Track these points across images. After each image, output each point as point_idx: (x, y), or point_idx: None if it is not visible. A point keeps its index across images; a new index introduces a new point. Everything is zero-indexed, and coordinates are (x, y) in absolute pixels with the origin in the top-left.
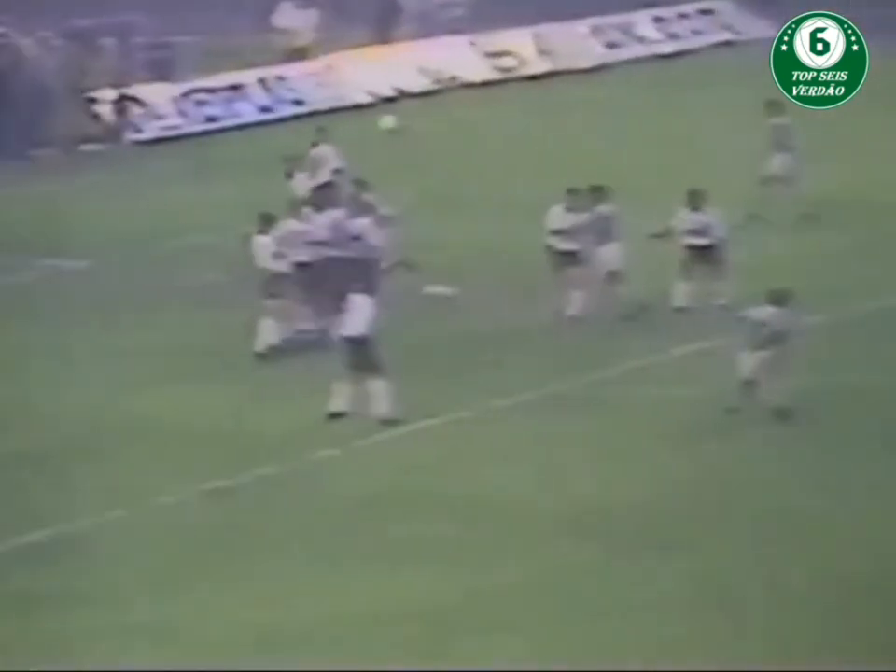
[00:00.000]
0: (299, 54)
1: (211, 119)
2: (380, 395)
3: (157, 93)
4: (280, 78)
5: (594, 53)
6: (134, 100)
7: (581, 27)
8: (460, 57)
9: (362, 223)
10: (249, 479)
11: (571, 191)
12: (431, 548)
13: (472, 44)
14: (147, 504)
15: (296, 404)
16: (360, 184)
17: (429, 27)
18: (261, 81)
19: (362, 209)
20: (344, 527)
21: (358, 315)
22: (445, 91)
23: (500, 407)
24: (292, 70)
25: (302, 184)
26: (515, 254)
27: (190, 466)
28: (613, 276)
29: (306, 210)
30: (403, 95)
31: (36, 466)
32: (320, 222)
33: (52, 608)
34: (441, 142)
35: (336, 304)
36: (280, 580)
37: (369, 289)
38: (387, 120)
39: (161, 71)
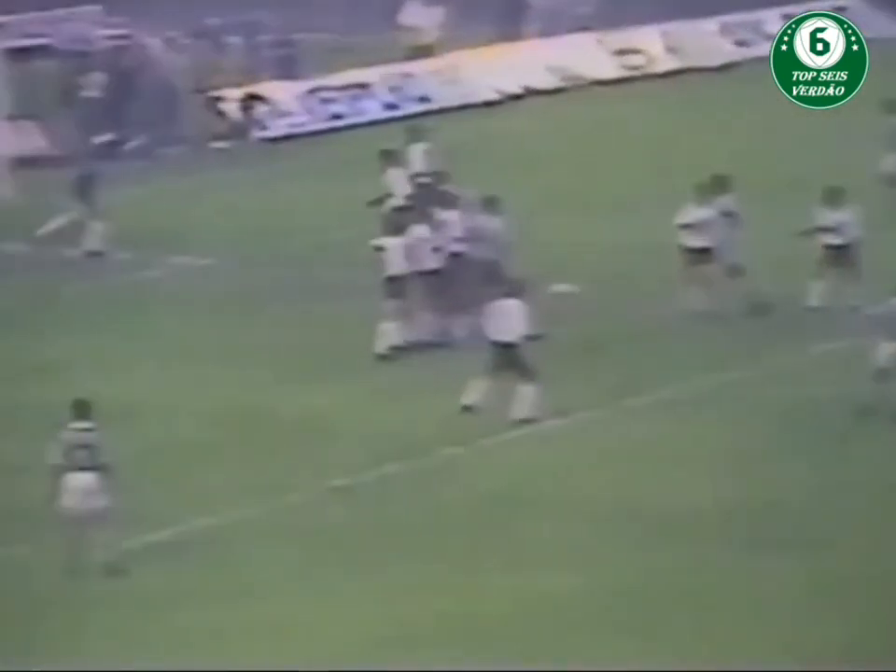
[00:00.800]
0: (424, 52)
1: (336, 117)
2: (526, 399)
3: (283, 91)
4: (406, 76)
5: (722, 51)
6: (260, 98)
7: (710, 25)
8: (588, 55)
9: (492, 223)
10: (374, 477)
11: (700, 187)
12: (557, 547)
13: (600, 42)
14: (274, 502)
15: (421, 403)
16: (440, 176)
17: (557, 25)
18: (387, 79)
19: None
20: (469, 526)
21: (510, 319)
22: (572, 88)
23: (629, 406)
24: (418, 68)
25: (396, 180)
26: (642, 252)
27: (316, 464)
28: (735, 271)
29: (435, 213)
30: (530, 93)
31: (166, 462)
32: (444, 225)
33: (183, 605)
34: (569, 139)
35: (461, 306)
36: (404, 578)
37: (516, 293)
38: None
39: (287, 69)
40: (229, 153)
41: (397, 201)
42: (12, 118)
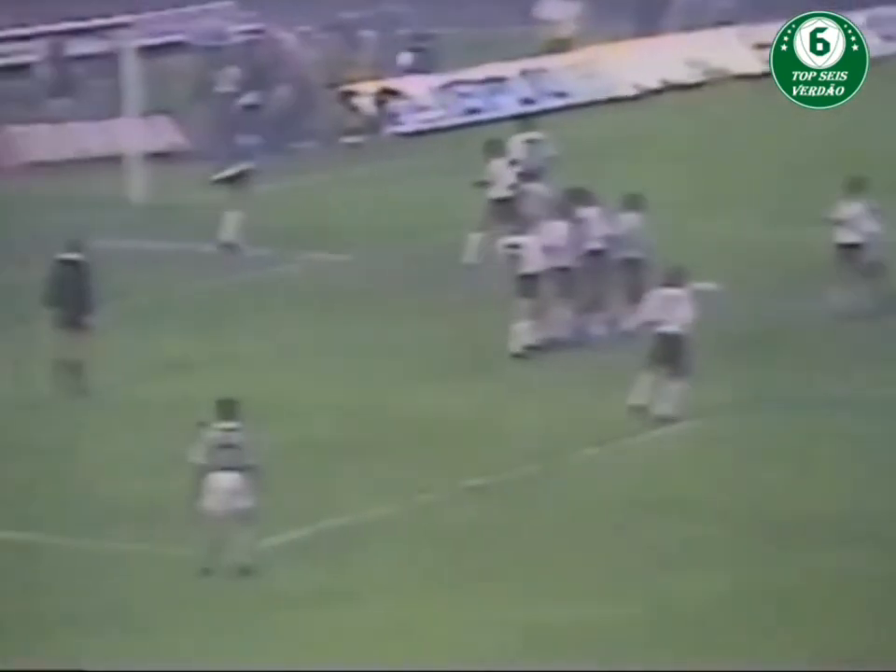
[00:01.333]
0: (561, 46)
1: (472, 111)
2: (673, 396)
3: (418, 85)
4: (543, 70)
5: (868, 45)
6: (395, 92)
7: (857, 18)
8: (727, 49)
9: (633, 220)
10: (509, 477)
11: (851, 183)
12: (694, 549)
13: (740, 36)
14: (408, 502)
15: (557, 402)
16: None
17: (697, 19)
18: (524, 73)
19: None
20: (606, 527)
21: (674, 309)
22: (711, 83)
23: (769, 407)
24: (555, 62)
25: (499, 171)
26: (784, 250)
27: (451, 463)
28: (877, 268)
29: (575, 211)
30: (669, 87)
31: (300, 461)
32: (583, 222)
33: (315, 605)
34: (708, 135)
35: (599, 304)
36: (539, 580)
37: (679, 281)
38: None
39: (423, 63)
40: (362, 148)
41: (497, 192)
42: (146, 114)
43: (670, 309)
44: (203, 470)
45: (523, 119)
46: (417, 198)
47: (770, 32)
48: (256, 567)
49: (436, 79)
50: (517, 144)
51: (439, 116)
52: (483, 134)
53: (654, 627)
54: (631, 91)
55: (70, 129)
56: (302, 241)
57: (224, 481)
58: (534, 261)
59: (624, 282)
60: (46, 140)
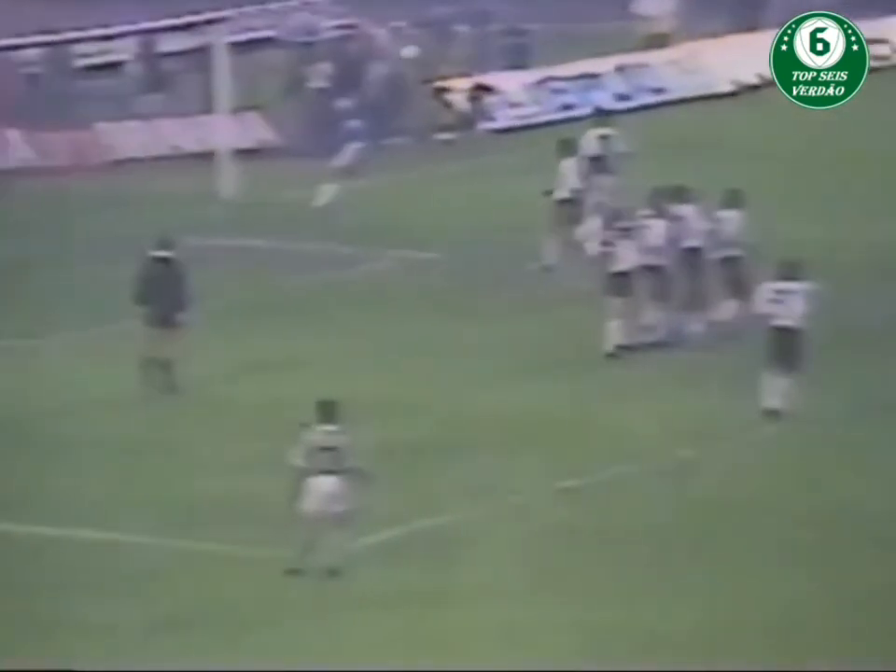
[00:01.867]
0: (658, 42)
1: (566, 108)
2: (784, 390)
3: (512, 81)
4: (640, 66)
5: None
6: (488, 88)
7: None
8: None
9: (732, 218)
10: (603, 479)
11: None
12: (795, 552)
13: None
14: (500, 502)
15: (651, 403)
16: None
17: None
18: (620, 69)
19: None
20: (701, 529)
21: (790, 303)
22: None
23: (866, 410)
24: (654, 57)
25: (567, 171)
26: (886, 250)
27: (543, 464)
28: None
29: (671, 206)
30: (767, 83)
31: (393, 462)
32: (680, 219)
33: (406, 606)
34: (808, 132)
35: (695, 302)
36: (632, 582)
37: (795, 274)
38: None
39: (517, 58)
40: (454, 145)
41: (562, 192)
42: (236, 110)
43: (784, 303)
44: (303, 473)
45: (597, 116)
46: (508, 195)
47: (870, 27)
48: (345, 569)
49: (529, 75)
50: (590, 139)
51: (532, 112)
52: (579, 131)
53: (750, 629)
54: (728, 87)
55: (160, 126)
56: (392, 238)
57: (323, 484)
58: (626, 259)
59: (723, 280)
60: (136, 137)
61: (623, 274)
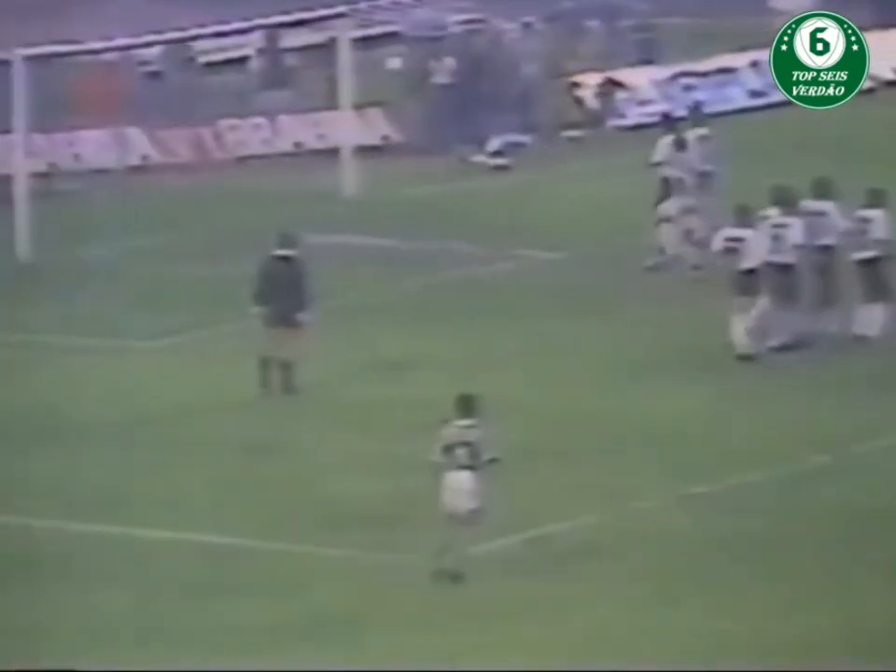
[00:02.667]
0: None
1: (698, 104)
2: None
3: (643, 77)
4: None
5: None
6: (619, 84)
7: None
8: None
9: (874, 216)
10: (729, 485)
11: None
12: None
13: None
14: (621, 508)
15: (781, 407)
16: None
17: None
18: (754, 65)
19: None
20: (828, 538)
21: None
22: None
23: None
24: None
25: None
26: None
27: (665, 470)
28: None
29: (804, 203)
30: None
31: (513, 464)
32: (818, 216)
33: (520, 613)
34: None
35: (829, 302)
36: (755, 592)
37: None
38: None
39: (648, 54)
40: (582, 142)
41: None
42: (358, 106)
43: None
44: (440, 468)
45: (695, 115)
46: (638, 194)
47: None
48: (468, 574)
49: (660, 71)
50: (690, 140)
51: (663, 109)
52: (711, 128)
53: (878, 639)
54: (866, 84)
55: (283, 122)
56: (518, 237)
57: (457, 479)
58: (754, 256)
59: (865, 283)
60: (258, 134)
61: (750, 272)
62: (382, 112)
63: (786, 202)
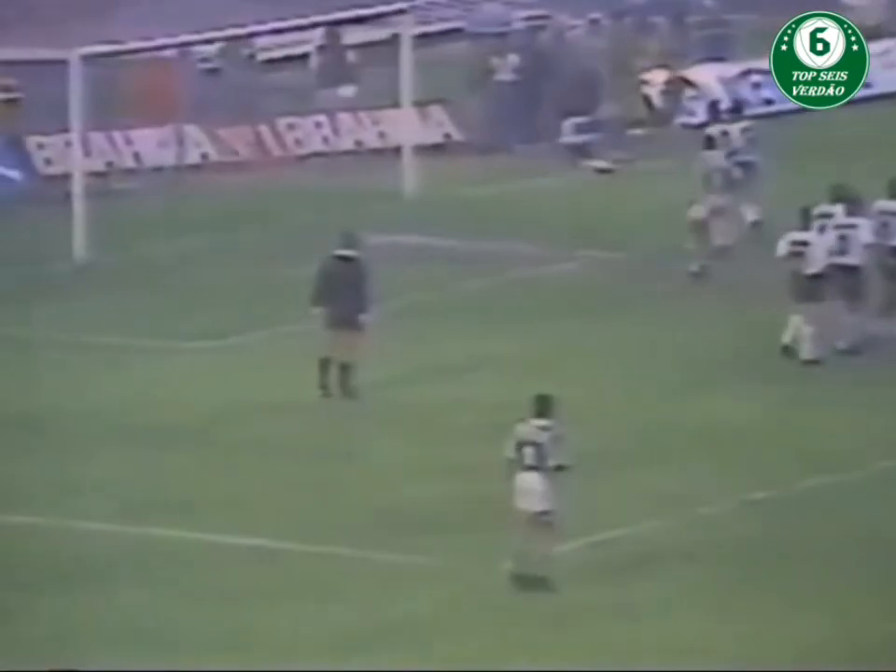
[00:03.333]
0: (869, 34)
1: (767, 102)
2: None
3: (711, 75)
4: None
5: None
6: (686, 81)
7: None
8: None
9: None
10: (796, 491)
11: None
12: None
13: None
14: (686, 514)
15: (845, 413)
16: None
17: None
18: None
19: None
20: (894, 543)
21: None
22: None
23: None
24: None
25: (713, 161)
26: None
27: (732, 475)
28: None
29: (880, 203)
30: None
31: (577, 470)
32: (885, 216)
33: (588, 619)
34: None
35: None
36: (822, 597)
37: None
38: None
39: (718, 51)
40: (649, 140)
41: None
42: (419, 104)
43: None
44: (512, 466)
45: (734, 112)
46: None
47: None
48: (554, 578)
49: (729, 68)
50: (734, 134)
51: (731, 107)
52: (779, 126)
53: None
54: None
55: (343, 120)
56: (581, 237)
57: (524, 480)
58: (819, 261)
59: None
60: (318, 132)
61: (814, 276)
62: (444, 110)
63: (849, 200)
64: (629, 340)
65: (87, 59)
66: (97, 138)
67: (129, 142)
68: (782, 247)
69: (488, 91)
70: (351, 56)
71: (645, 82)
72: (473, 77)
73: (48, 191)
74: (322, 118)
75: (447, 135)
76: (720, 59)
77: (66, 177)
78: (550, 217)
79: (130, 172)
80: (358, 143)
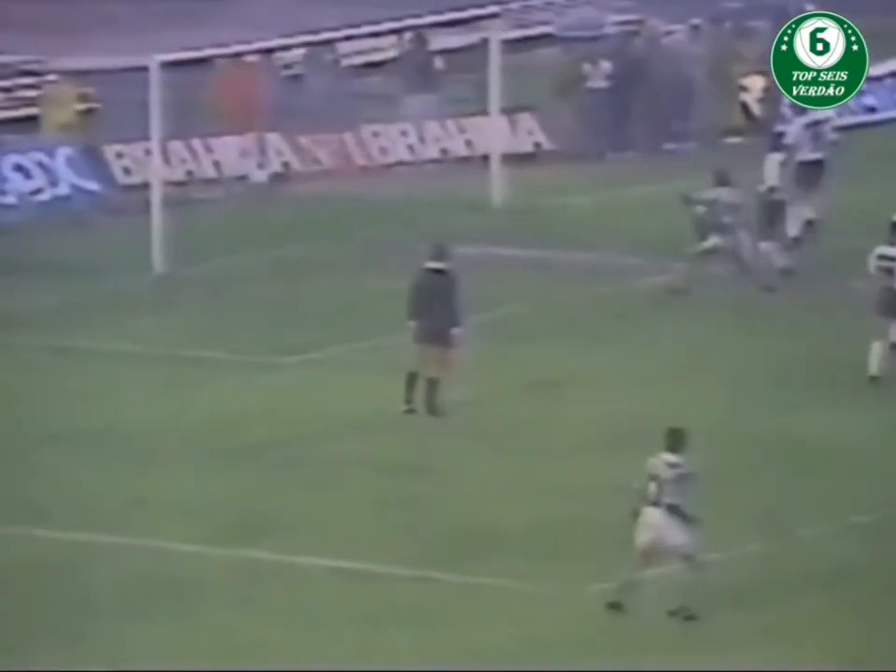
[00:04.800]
0: None
1: (869, 110)
2: None
3: None
4: None
5: None
6: None
7: None
8: None
9: None
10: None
11: None
12: None
13: None
14: (785, 536)
15: None
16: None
17: None
18: None
19: None
20: None
21: None
22: None
23: None
24: None
25: (771, 167)
26: None
27: (834, 496)
28: None
29: None
30: None
31: None
32: None
33: (684, 646)
34: None
35: None
36: None
37: None
38: None
39: None
40: (745, 149)
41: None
42: (508, 111)
43: None
44: (637, 500)
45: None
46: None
47: None
48: (697, 611)
49: None
50: (799, 129)
51: (831, 115)
52: (884, 134)
53: None
54: None
55: (429, 128)
56: (674, 248)
57: (646, 514)
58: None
59: None
60: (404, 140)
61: (889, 290)
62: (533, 117)
63: None
64: (721, 352)
65: (167, 65)
66: (177, 146)
67: (209, 150)
68: (871, 263)
69: (580, 98)
70: (438, 62)
71: (743, 89)
72: (564, 84)
73: (126, 202)
74: (408, 125)
75: (537, 144)
76: None
77: (145, 187)
78: (642, 227)
79: (210, 181)
80: (445, 151)
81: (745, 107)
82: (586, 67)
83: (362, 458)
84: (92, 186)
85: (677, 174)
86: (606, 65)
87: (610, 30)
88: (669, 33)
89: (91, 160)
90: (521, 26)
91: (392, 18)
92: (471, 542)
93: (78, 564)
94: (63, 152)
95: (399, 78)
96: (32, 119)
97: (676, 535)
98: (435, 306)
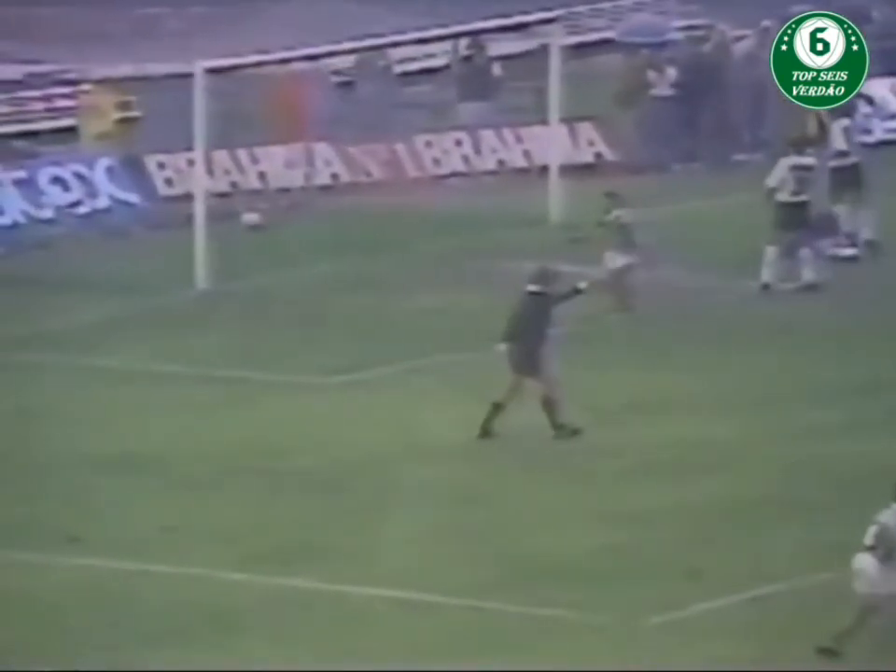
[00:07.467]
0: None
1: None
2: None
3: (889, 89)
4: None
5: None
6: (861, 96)
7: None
8: None
9: None
10: None
11: None
12: None
13: None
14: (840, 565)
15: None
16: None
17: None
18: None
19: None
20: None
21: None
22: None
23: None
24: None
25: (783, 171)
26: None
27: None
28: None
29: None
30: None
31: (734, 520)
32: None
33: None
34: None
35: None
36: None
37: None
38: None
39: (893, 64)
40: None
41: (783, 196)
42: (568, 120)
43: None
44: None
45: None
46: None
47: None
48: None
49: None
50: (837, 130)
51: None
52: None
53: None
54: None
55: (485, 137)
56: (740, 265)
57: (859, 560)
58: None
59: None
60: (458, 150)
61: None
62: (594, 127)
63: None
64: (791, 375)
65: (211, 72)
66: (221, 157)
67: (254, 161)
68: None
69: (643, 107)
70: (496, 68)
71: None
72: (627, 92)
73: (168, 214)
74: (462, 135)
75: (598, 154)
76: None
77: (188, 198)
78: (707, 242)
79: (256, 193)
80: (501, 162)
81: (818, 117)
82: (651, 75)
83: (412, 484)
84: (133, 198)
85: (743, 187)
86: (672, 72)
87: (676, 35)
88: (739, 38)
89: (132, 171)
90: (581, 32)
91: (447, 23)
92: (527, 571)
93: (117, 591)
94: (103, 163)
95: (453, 86)
96: (70, 130)
97: (880, 585)
98: (528, 331)
